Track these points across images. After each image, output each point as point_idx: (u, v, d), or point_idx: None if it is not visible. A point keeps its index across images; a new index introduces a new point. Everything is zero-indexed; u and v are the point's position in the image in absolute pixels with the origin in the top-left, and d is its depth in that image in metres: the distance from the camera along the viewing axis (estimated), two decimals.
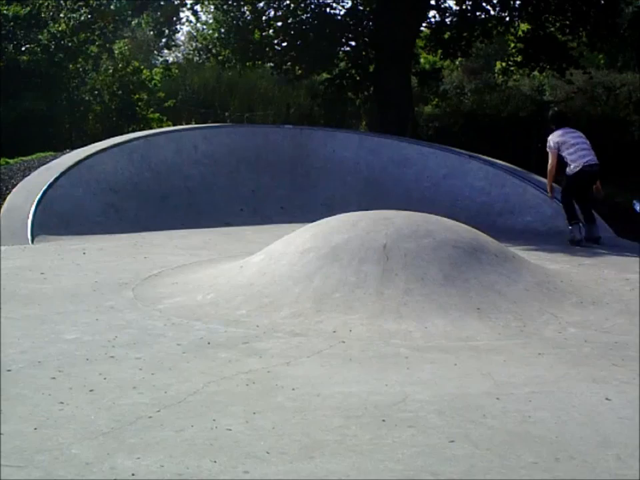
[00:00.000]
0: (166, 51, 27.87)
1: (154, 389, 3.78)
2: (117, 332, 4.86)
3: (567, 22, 18.36)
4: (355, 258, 5.76)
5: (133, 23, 21.39)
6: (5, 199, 10.18)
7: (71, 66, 21.01)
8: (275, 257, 6.10)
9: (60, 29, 20.07)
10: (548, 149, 9.57)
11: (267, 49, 19.52)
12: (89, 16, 18.77)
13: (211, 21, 21.74)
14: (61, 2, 19.65)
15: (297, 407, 3.55)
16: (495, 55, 28.08)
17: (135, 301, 5.77)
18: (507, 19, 19.00)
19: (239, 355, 4.40)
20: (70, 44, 20.34)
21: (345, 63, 20.41)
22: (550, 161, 9.51)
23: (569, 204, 9.52)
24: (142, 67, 23.02)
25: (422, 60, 25.14)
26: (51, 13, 20.29)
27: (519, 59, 19.63)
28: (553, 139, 9.51)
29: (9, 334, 4.76)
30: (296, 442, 3.14)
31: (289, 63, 19.73)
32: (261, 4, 19.46)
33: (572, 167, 9.33)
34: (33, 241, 8.89)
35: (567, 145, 9.37)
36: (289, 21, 19.16)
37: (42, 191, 9.94)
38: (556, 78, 20.90)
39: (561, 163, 9.50)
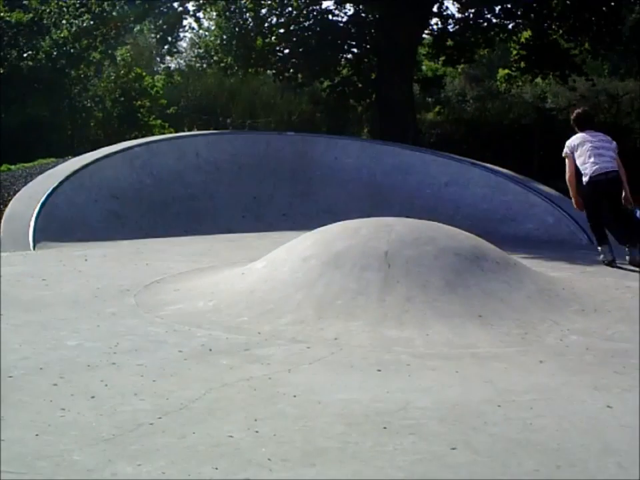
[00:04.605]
0: (168, 57, 27.97)
1: (155, 396, 3.77)
2: (119, 338, 4.85)
3: (570, 29, 18.39)
4: (357, 265, 5.75)
5: (135, 29, 21.47)
6: (7, 205, 10.19)
7: (73, 72, 21.10)
8: (276, 264, 6.10)
9: (62, 35, 20.16)
10: (564, 155, 8.32)
11: (269, 56, 19.58)
12: (91, 22, 18.85)
13: (213, 28, 21.82)
14: (63, 8, 19.73)
15: (298, 414, 3.54)
16: (497, 62, 28.16)
17: (136, 307, 5.76)
18: (510, 26, 19.05)
19: (240, 362, 4.39)
20: (72, 50, 20.44)
21: (347, 70, 20.47)
22: (567, 169, 8.22)
23: (592, 225, 8.32)
24: (144, 73, 23.09)
25: (424, 67, 25.20)
26: (53, 20, 20.38)
27: (521, 65, 19.67)
28: (568, 142, 8.27)
29: (10, 340, 4.75)
30: (297, 449, 3.14)
31: (291, 70, 19.80)
32: (264, 11, 19.53)
33: (583, 178, 8.07)
34: (34, 247, 8.89)
35: (580, 152, 8.07)
36: (292, 28, 19.23)
37: (44, 198, 9.95)
38: (558, 85, 20.94)
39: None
